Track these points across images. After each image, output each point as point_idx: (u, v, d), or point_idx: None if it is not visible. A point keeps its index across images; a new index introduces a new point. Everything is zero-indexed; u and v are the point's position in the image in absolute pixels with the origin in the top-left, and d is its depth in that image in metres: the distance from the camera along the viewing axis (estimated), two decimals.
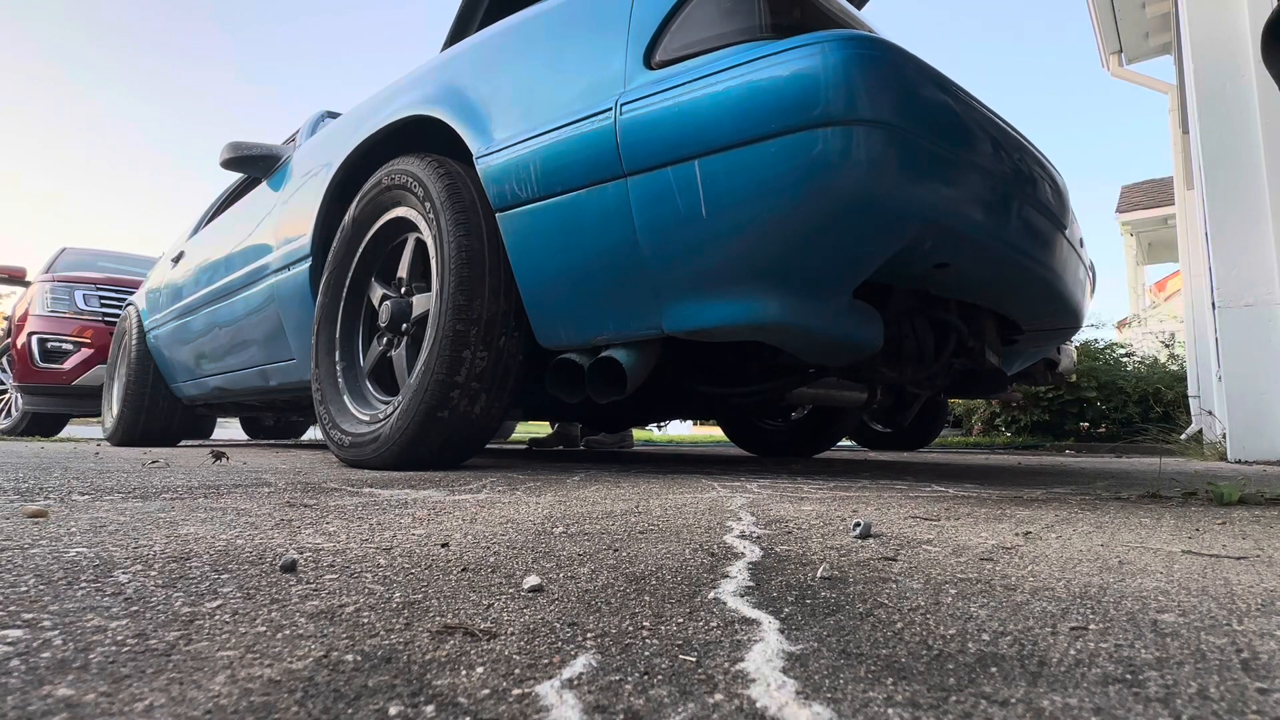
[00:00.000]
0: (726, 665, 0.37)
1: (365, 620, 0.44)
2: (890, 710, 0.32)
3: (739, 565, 0.62)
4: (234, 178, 3.39)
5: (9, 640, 0.38)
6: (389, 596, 0.50)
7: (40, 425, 5.23)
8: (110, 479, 1.29)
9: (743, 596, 0.52)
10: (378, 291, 1.83)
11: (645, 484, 1.40)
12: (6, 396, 5.46)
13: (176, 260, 3.28)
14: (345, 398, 1.81)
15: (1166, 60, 6.36)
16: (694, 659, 0.38)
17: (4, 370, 5.46)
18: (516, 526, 0.82)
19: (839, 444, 5.21)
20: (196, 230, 3.38)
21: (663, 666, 0.37)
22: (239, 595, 0.49)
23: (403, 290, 1.77)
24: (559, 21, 1.54)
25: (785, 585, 0.55)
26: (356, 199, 1.86)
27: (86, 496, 1.01)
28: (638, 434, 8.50)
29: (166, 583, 0.52)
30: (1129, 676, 0.37)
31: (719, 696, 0.33)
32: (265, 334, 2.38)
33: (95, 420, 7.18)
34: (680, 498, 1.15)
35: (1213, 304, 3.01)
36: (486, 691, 0.34)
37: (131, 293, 4.97)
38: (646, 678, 0.36)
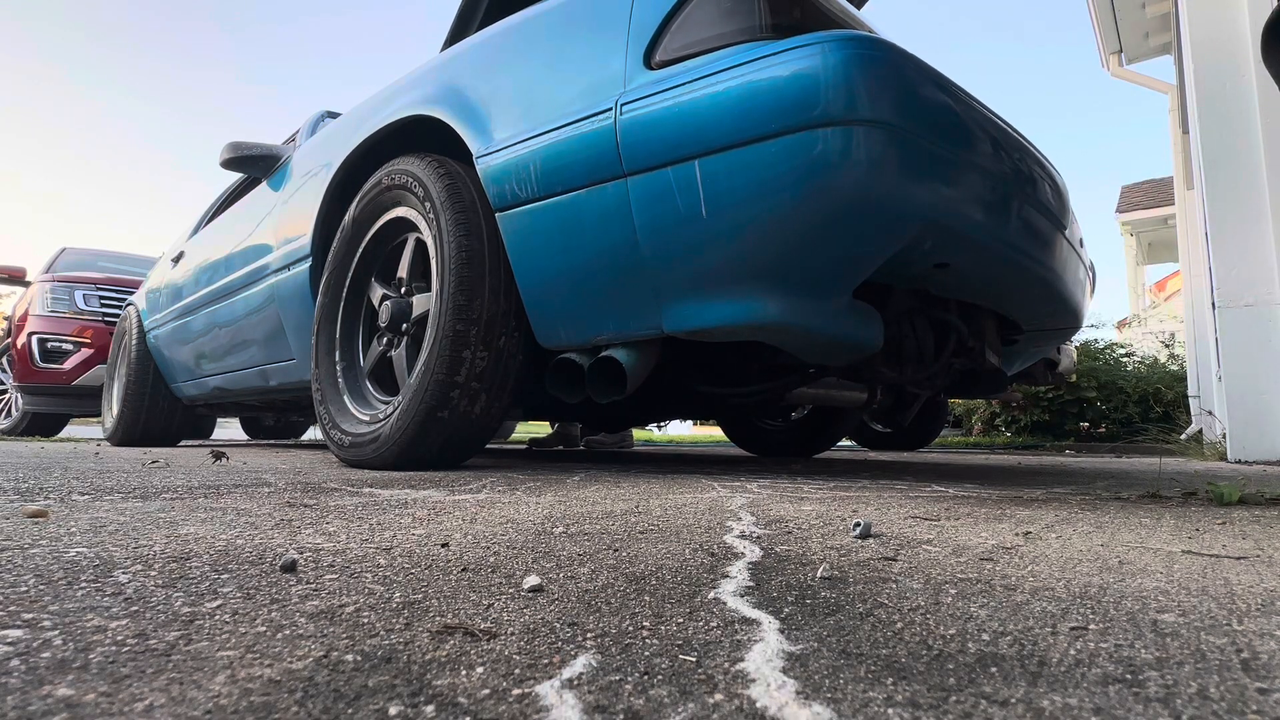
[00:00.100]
0: (726, 665, 0.37)
1: (365, 620, 0.44)
2: (890, 710, 0.32)
3: (739, 565, 0.62)
4: (234, 178, 3.39)
5: (9, 640, 0.38)
6: (389, 596, 0.50)
7: (40, 425, 5.23)
8: (110, 479, 1.29)
9: (743, 596, 0.52)
10: (378, 291, 1.83)
11: (645, 484, 1.40)
12: (6, 396, 5.46)
13: (176, 260, 3.28)
14: (345, 398, 1.81)
15: (1166, 60, 6.37)
16: (694, 659, 0.38)
17: (4, 370, 5.46)
18: (516, 526, 0.82)
19: (839, 444, 5.22)
20: (196, 230, 3.38)
21: (663, 666, 0.37)
22: (239, 595, 0.49)
23: (403, 290, 1.77)
24: (559, 21, 1.54)
25: (785, 585, 0.55)
26: (356, 199, 1.86)
27: (86, 496, 1.01)
28: (638, 434, 8.50)
29: (166, 583, 0.52)
30: (1129, 676, 0.37)
31: (719, 696, 0.33)
32: (265, 334, 2.38)
33: (95, 420, 7.18)
34: (680, 498, 1.15)
35: (1213, 304, 3.01)
36: (486, 691, 0.34)
37: (131, 293, 4.97)
38: (646, 678, 0.36)
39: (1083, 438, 6.04)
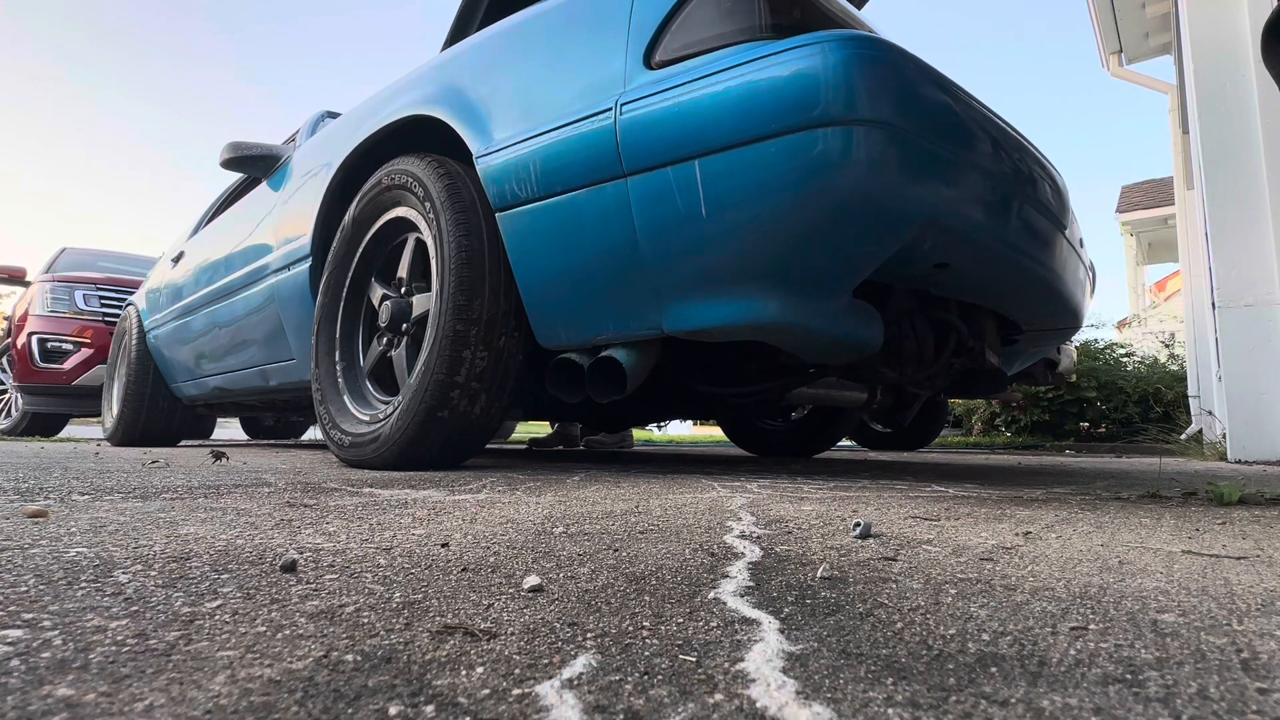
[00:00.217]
0: (726, 665, 0.37)
1: (365, 620, 0.44)
2: (890, 710, 0.32)
3: (739, 565, 0.62)
4: (234, 178, 3.39)
5: (9, 640, 0.38)
6: (389, 596, 0.50)
7: (40, 425, 5.23)
8: (110, 479, 1.29)
9: (743, 596, 0.52)
10: (378, 291, 1.83)
11: (645, 484, 1.40)
12: (6, 396, 5.46)
13: (176, 260, 3.28)
14: (345, 398, 1.81)
15: (1166, 60, 6.37)
16: (694, 659, 0.38)
17: (4, 370, 5.46)
18: (516, 526, 0.82)
19: (839, 444, 5.22)
20: (196, 230, 3.39)
21: (663, 666, 0.37)
22: (239, 595, 0.49)
23: (403, 290, 1.77)
24: (559, 21, 1.54)
25: (785, 585, 0.55)
26: (356, 199, 1.86)
27: (86, 496, 1.01)
28: (638, 434, 8.50)
29: (166, 583, 0.52)
30: (1129, 676, 0.37)
31: (719, 696, 0.33)
32: (265, 334, 2.38)
33: (95, 420, 7.18)
34: (680, 498, 1.15)
35: (1213, 304, 3.01)
36: (486, 691, 0.34)
37: (131, 293, 4.97)
38: (646, 678, 0.36)
39: (1083, 438, 6.04)
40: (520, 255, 1.49)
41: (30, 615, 0.43)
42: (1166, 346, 7.16)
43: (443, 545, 0.69)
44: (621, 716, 0.31)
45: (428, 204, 1.62)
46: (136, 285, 4.84)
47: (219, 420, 6.29)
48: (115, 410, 3.61)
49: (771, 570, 0.60)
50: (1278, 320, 2.83)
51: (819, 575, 0.58)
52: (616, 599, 0.50)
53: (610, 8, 1.44)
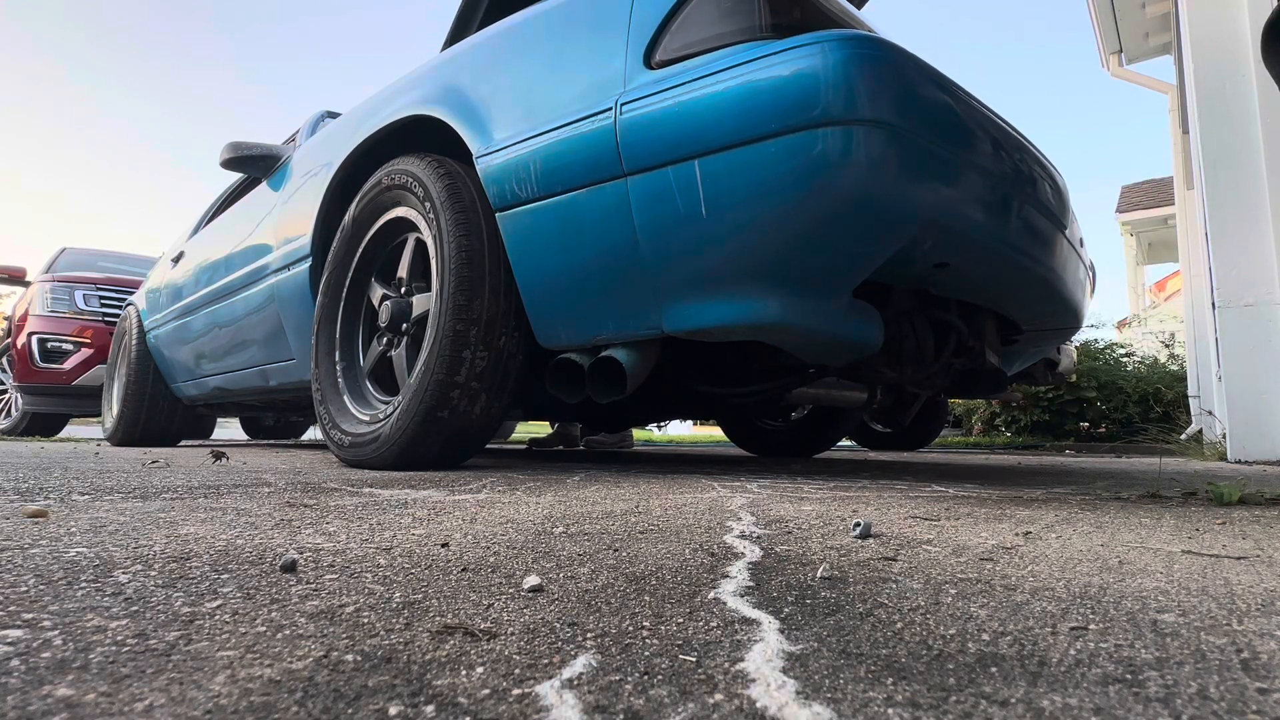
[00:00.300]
0: (726, 665, 0.37)
1: (365, 620, 0.44)
2: (890, 710, 0.32)
3: (739, 565, 0.62)
4: (234, 178, 3.39)
5: (9, 640, 0.38)
6: (389, 596, 0.50)
7: (40, 425, 5.23)
8: (110, 479, 1.29)
9: (743, 596, 0.52)
10: (378, 291, 1.83)
11: (645, 484, 1.40)
12: (6, 396, 5.46)
13: (176, 260, 3.28)
14: (345, 398, 1.81)
15: (1166, 60, 6.37)
16: (694, 659, 0.38)
17: (4, 370, 5.46)
18: (516, 526, 0.82)
19: (839, 444, 5.21)
20: (196, 230, 3.39)
21: (663, 666, 0.37)
22: (239, 595, 0.49)
23: (403, 290, 1.77)
24: (559, 21, 1.54)
25: (785, 585, 0.55)
26: (356, 199, 1.86)
27: (86, 496, 1.01)
28: (638, 434, 8.50)
29: (166, 583, 0.52)
30: (1129, 676, 0.37)
31: (719, 696, 0.33)
32: (265, 334, 2.38)
33: (95, 420, 7.18)
34: (680, 498, 1.15)
35: (1213, 304, 3.01)
36: (486, 691, 0.34)
37: (131, 293, 4.97)
38: (646, 678, 0.36)
39: (1083, 438, 6.04)
40: (520, 255, 1.49)
41: (30, 615, 0.43)
42: (1166, 346, 7.16)
43: (443, 545, 0.69)
44: (621, 716, 0.31)
45: (428, 204, 1.62)
46: (136, 285, 4.84)
47: (219, 420, 6.29)
48: (115, 410, 3.61)
49: (771, 570, 0.60)
50: (1278, 320, 2.83)
51: (819, 575, 0.58)
52: (616, 599, 0.50)
53: (610, 8, 1.44)
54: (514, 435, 6.66)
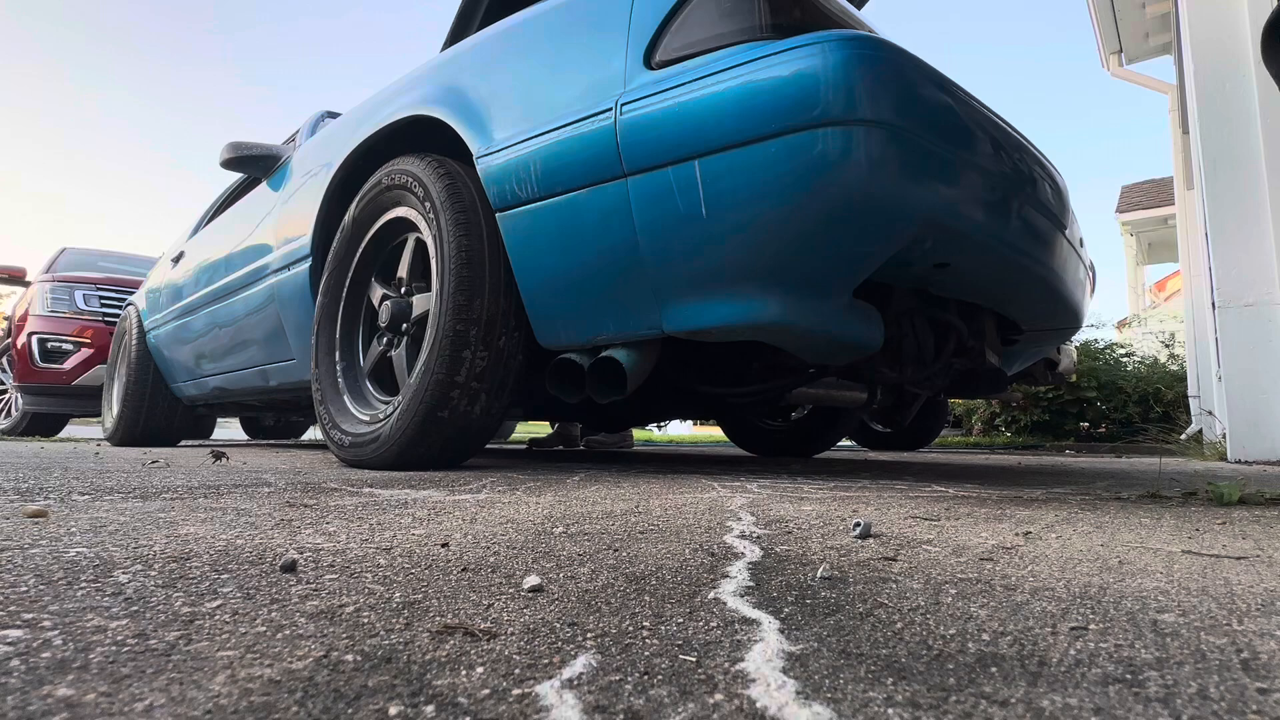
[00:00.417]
0: (726, 665, 0.37)
1: (365, 620, 0.44)
2: (890, 710, 0.32)
3: (739, 565, 0.62)
4: (234, 178, 3.39)
5: (9, 640, 0.38)
6: (389, 596, 0.50)
7: (40, 425, 5.23)
8: (110, 479, 1.29)
9: (743, 596, 0.52)
10: (378, 291, 1.83)
11: (645, 484, 1.40)
12: (6, 396, 5.46)
13: (176, 260, 3.28)
14: (345, 398, 1.81)
15: (1166, 60, 6.37)
16: (694, 659, 0.38)
17: (4, 370, 5.46)
18: (516, 526, 0.82)
19: (839, 444, 5.21)
20: (196, 230, 3.39)
21: (663, 666, 0.37)
22: (239, 595, 0.49)
23: (403, 290, 1.77)
24: (559, 21, 1.54)
25: (785, 585, 0.55)
26: (356, 199, 1.86)
27: (86, 496, 1.01)
28: (638, 434, 8.50)
29: (166, 583, 0.52)
30: (1129, 676, 0.37)
31: (719, 696, 0.33)
32: (265, 334, 2.38)
33: (95, 420, 7.18)
34: (680, 498, 1.15)
35: (1213, 304, 3.01)
36: (486, 691, 0.34)
37: (131, 293, 4.97)
38: (646, 678, 0.36)
39: (1083, 438, 6.04)
40: (520, 255, 1.49)
41: (30, 615, 0.43)
42: (1166, 346, 7.16)
43: (443, 545, 0.69)
44: (621, 716, 0.31)
45: (428, 204, 1.62)
46: (136, 285, 4.84)
47: (219, 420, 6.29)
48: (115, 410, 3.61)
49: (771, 570, 0.60)
50: (1278, 320, 2.83)
51: (819, 575, 0.58)
52: (616, 599, 0.50)
53: (610, 8, 1.44)
54: (514, 435, 6.66)
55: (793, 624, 0.45)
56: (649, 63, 1.33)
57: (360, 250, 1.86)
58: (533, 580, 0.54)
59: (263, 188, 2.59)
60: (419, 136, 1.85)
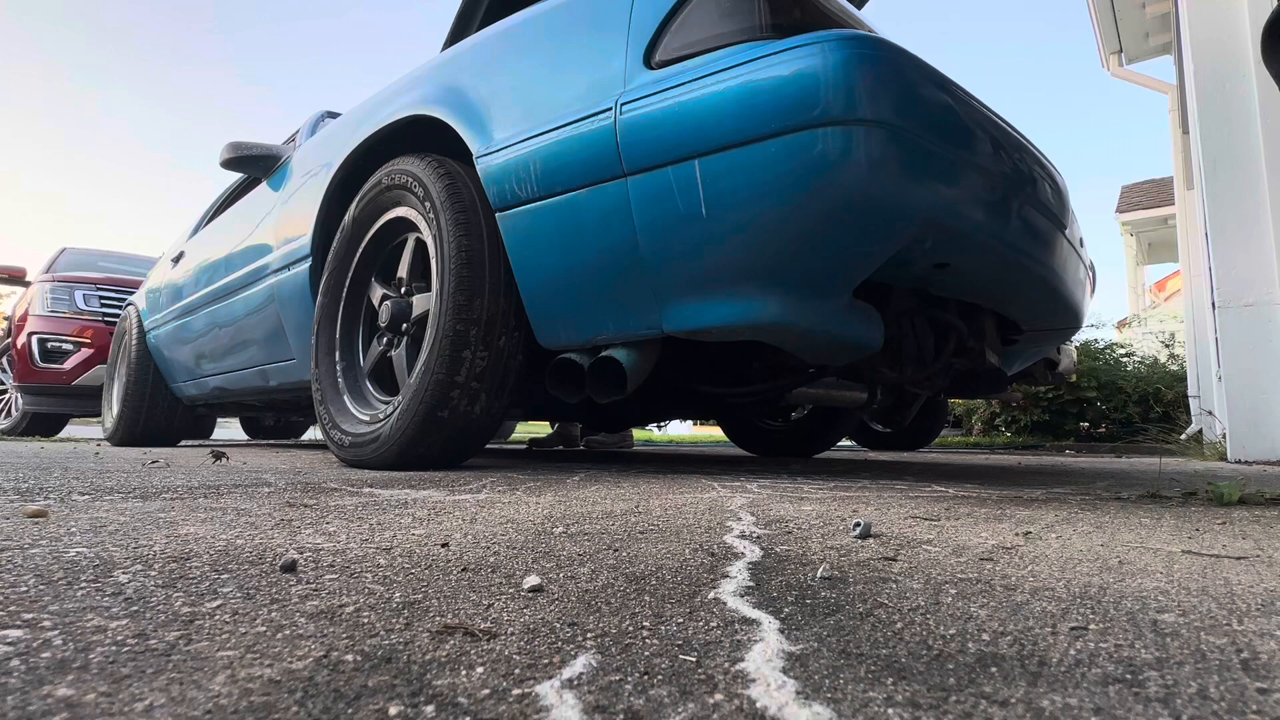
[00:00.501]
0: (726, 665, 0.37)
1: (365, 620, 0.44)
2: (890, 710, 0.32)
3: (739, 565, 0.62)
4: (234, 178, 3.39)
5: (9, 640, 0.38)
6: (389, 596, 0.50)
7: (40, 425, 5.23)
8: (110, 479, 1.29)
9: (743, 596, 0.52)
10: (378, 291, 1.83)
11: (645, 484, 1.40)
12: (6, 396, 5.46)
13: (176, 260, 3.28)
14: (345, 398, 1.81)
15: (1166, 60, 6.37)
16: (694, 659, 0.38)
17: (4, 370, 5.46)
18: (516, 526, 0.82)
19: (839, 444, 5.21)
20: (196, 230, 3.39)
21: (663, 666, 0.37)
22: (239, 595, 0.49)
23: (403, 290, 1.77)
24: (559, 21, 1.54)
25: (785, 585, 0.55)
26: (356, 199, 1.86)
27: (86, 496, 1.01)
28: (638, 434, 8.50)
29: (166, 583, 0.52)
30: (1129, 676, 0.37)
31: (719, 696, 0.33)
32: (265, 334, 2.38)
33: (95, 420, 7.18)
34: (680, 498, 1.15)
35: (1213, 304, 3.01)
36: (486, 691, 0.34)
37: (131, 293, 4.97)
38: (646, 678, 0.36)
39: (1083, 438, 6.04)
40: (520, 255, 1.49)
41: (30, 615, 0.43)
42: (1166, 346, 7.16)
43: (443, 545, 0.69)
44: (621, 716, 0.31)
45: (428, 204, 1.62)
46: (136, 285, 4.84)
47: (219, 420, 6.29)
48: (115, 410, 3.61)
49: (771, 570, 0.60)
50: (1278, 320, 2.83)
51: (819, 575, 0.58)
52: (616, 599, 0.50)
53: (610, 8, 1.44)
54: (514, 435, 6.66)
55: (793, 624, 0.45)
56: (649, 62, 1.33)
57: (360, 250, 1.86)
58: (533, 580, 0.54)
59: (263, 188, 2.59)
60: (419, 136, 1.85)
